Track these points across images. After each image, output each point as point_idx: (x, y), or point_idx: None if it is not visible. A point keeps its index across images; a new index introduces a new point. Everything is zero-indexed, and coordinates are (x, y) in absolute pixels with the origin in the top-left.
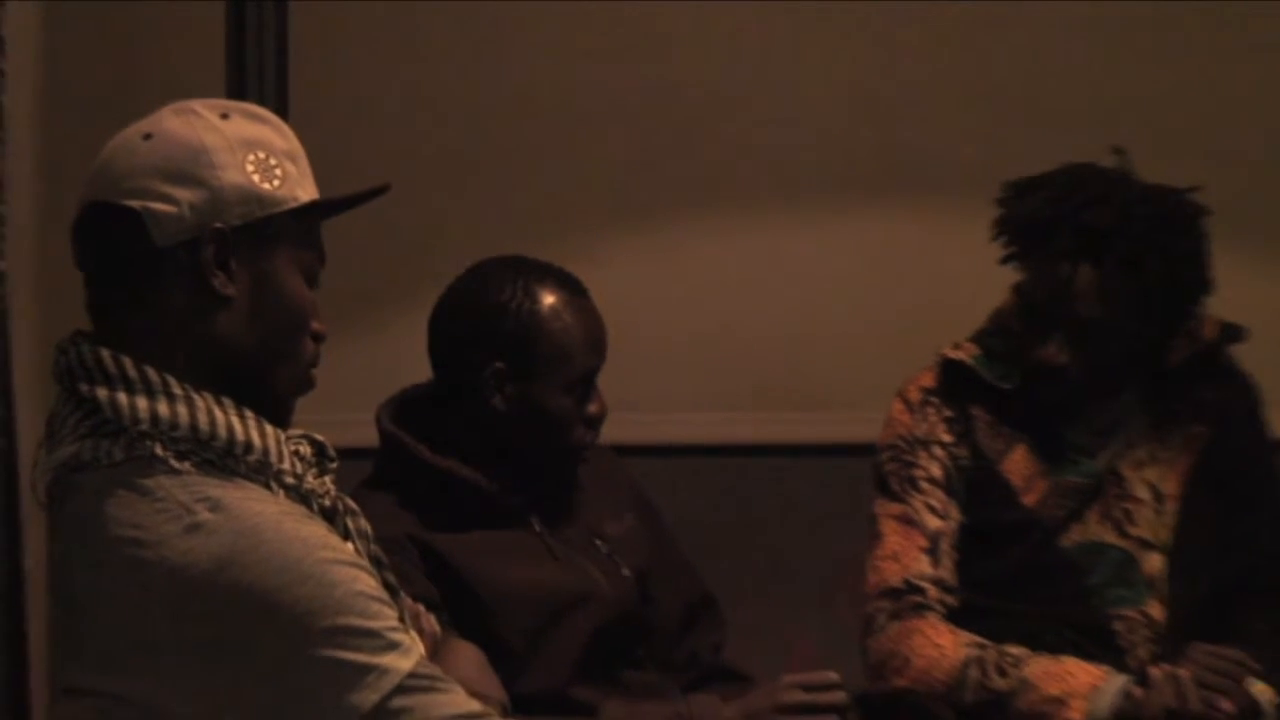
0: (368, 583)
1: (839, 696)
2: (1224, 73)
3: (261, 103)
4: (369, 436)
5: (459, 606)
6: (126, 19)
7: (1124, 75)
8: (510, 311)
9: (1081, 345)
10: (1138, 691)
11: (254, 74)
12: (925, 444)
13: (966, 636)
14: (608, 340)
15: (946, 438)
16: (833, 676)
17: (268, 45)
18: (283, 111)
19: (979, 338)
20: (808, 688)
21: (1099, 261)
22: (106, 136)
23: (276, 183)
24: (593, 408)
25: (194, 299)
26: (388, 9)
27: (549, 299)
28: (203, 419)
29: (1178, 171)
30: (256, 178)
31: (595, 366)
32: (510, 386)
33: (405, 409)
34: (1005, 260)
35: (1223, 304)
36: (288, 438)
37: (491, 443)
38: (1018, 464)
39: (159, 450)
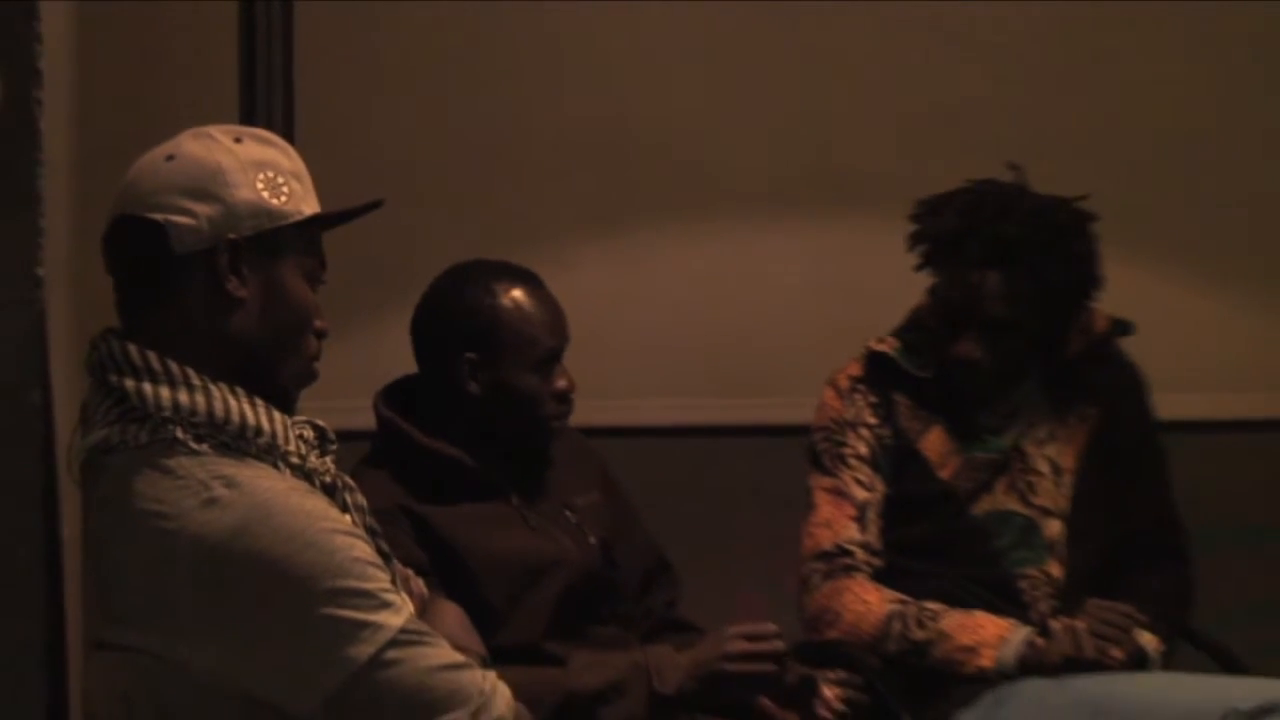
0: (364, 549)
1: (778, 645)
2: (1116, 88)
3: (270, 125)
4: (366, 421)
5: (445, 571)
6: (153, 43)
7: (1030, 97)
8: (474, 308)
9: (991, 341)
10: (1040, 641)
11: (263, 112)
12: (853, 425)
13: (890, 594)
14: (566, 323)
15: (872, 420)
16: (772, 627)
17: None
18: (289, 129)
19: (899, 332)
20: (750, 637)
21: (1006, 268)
22: (130, 157)
23: (284, 199)
24: (560, 383)
25: (210, 301)
26: (385, 41)
27: (506, 292)
28: (218, 406)
29: (1071, 179)
30: (266, 194)
31: (556, 346)
32: (482, 373)
33: (398, 395)
34: (919, 268)
35: (1112, 301)
36: (293, 423)
37: (473, 424)
38: (934, 443)
39: (180, 434)
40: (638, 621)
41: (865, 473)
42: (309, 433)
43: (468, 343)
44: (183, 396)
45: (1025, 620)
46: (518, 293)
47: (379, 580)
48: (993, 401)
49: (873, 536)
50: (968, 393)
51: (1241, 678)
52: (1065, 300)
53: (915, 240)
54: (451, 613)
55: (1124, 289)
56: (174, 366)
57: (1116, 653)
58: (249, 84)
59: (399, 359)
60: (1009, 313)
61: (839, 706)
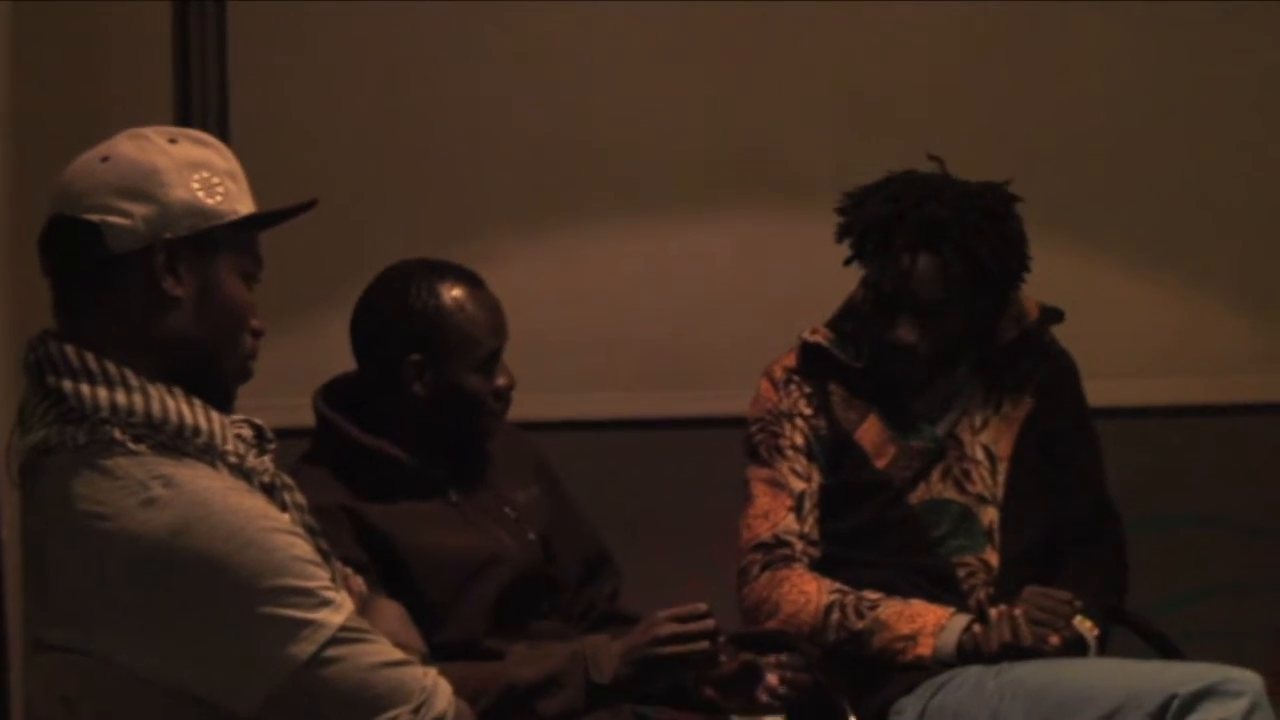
0: (303, 548)
1: (707, 624)
2: (1045, 77)
3: (205, 125)
4: (305, 418)
5: (385, 568)
6: (87, 46)
7: (958, 88)
8: (417, 310)
9: (927, 324)
10: (978, 628)
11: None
12: (789, 416)
13: (829, 584)
14: (506, 321)
15: (807, 410)
16: (701, 607)
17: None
18: (224, 130)
19: (833, 323)
20: (679, 618)
21: (937, 250)
22: (66, 159)
23: (219, 199)
24: (501, 381)
25: (147, 301)
26: (318, 42)
27: (449, 293)
28: (155, 406)
29: (1000, 167)
30: (201, 194)
31: (498, 345)
32: (428, 374)
33: (337, 393)
34: (849, 261)
35: (1044, 288)
36: (231, 422)
37: (415, 423)
38: (870, 432)
39: (117, 434)
40: (578, 614)
41: (801, 463)
42: (247, 432)
43: (411, 344)
44: (120, 397)
45: (963, 608)
46: (459, 293)
47: (319, 578)
48: (927, 389)
49: (810, 527)
50: (904, 379)
51: (1179, 662)
52: (996, 282)
53: (844, 231)
54: (391, 610)
55: (1055, 276)
56: (111, 367)
57: (1054, 639)
58: (184, 85)
59: (337, 356)
60: (942, 295)
61: (781, 689)
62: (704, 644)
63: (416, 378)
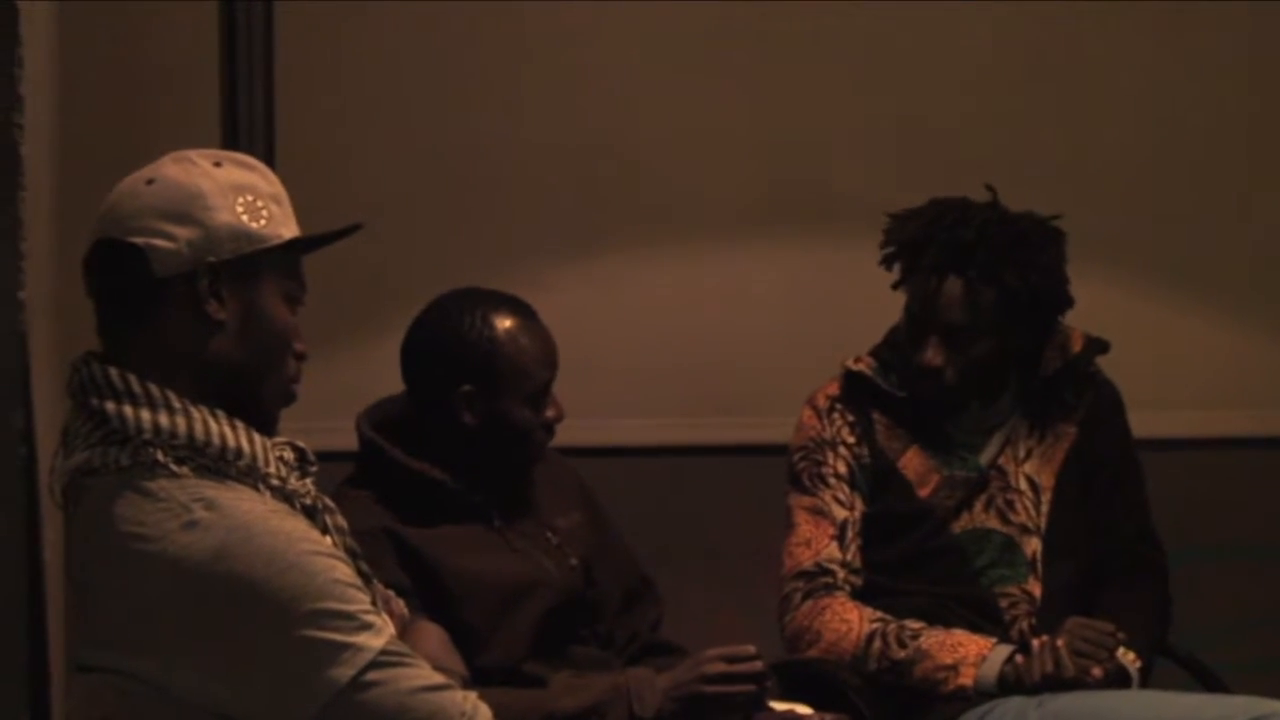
0: (344, 571)
1: (756, 666)
2: (1094, 108)
3: (251, 146)
4: (346, 442)
5: (427, 592)
6: (134, 71)
7: (1008, 116)
8: (472, 341)
9: (953, 348)
10: (1020, 659)
11: (245, 132)
12: (832, 445)
13: (870, 612)
14: (557, 353)
15: (850, 439)
16: (750, 649)
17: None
18: (269, 151)
19: (876, 351)
20: (728, 659)
21: (963, 273)
22: (112, 181)
23: (263, 222)
24: (550, 413)
25: (190, 323)
26: (365, 65)
27: (503, 325)
28: (199, 429)
29: (1050, 199)
30: (245, 218)
31: (550, 378)
32: (479, 405)
33: (381, 417)
34: (896, 285)
35: (1091, 319)
36: (273, 444)
37: (460, 450)
38: (913, 461)
39: (160, 456)
40: (620, 641)
41: (844, 492)
42: (289, 454)
43: (464, 375)
44: (163, 419)
45: (1005, 639)
46: (513, 325)
47: (359, 602)
48: (970, 420)
49: (852, 555)
50: (933, 403)
51: (1222, 695)
52: (1029, 311)
53: (882, 249)
54: (433, 633)
55: (1103, 308)
56: (154, 389)
57: (1097, 671)
58: (230, 107)
59: (380, 380)
60: (968, 319)
61: None
62: (750, 686)
63: (467, 408)
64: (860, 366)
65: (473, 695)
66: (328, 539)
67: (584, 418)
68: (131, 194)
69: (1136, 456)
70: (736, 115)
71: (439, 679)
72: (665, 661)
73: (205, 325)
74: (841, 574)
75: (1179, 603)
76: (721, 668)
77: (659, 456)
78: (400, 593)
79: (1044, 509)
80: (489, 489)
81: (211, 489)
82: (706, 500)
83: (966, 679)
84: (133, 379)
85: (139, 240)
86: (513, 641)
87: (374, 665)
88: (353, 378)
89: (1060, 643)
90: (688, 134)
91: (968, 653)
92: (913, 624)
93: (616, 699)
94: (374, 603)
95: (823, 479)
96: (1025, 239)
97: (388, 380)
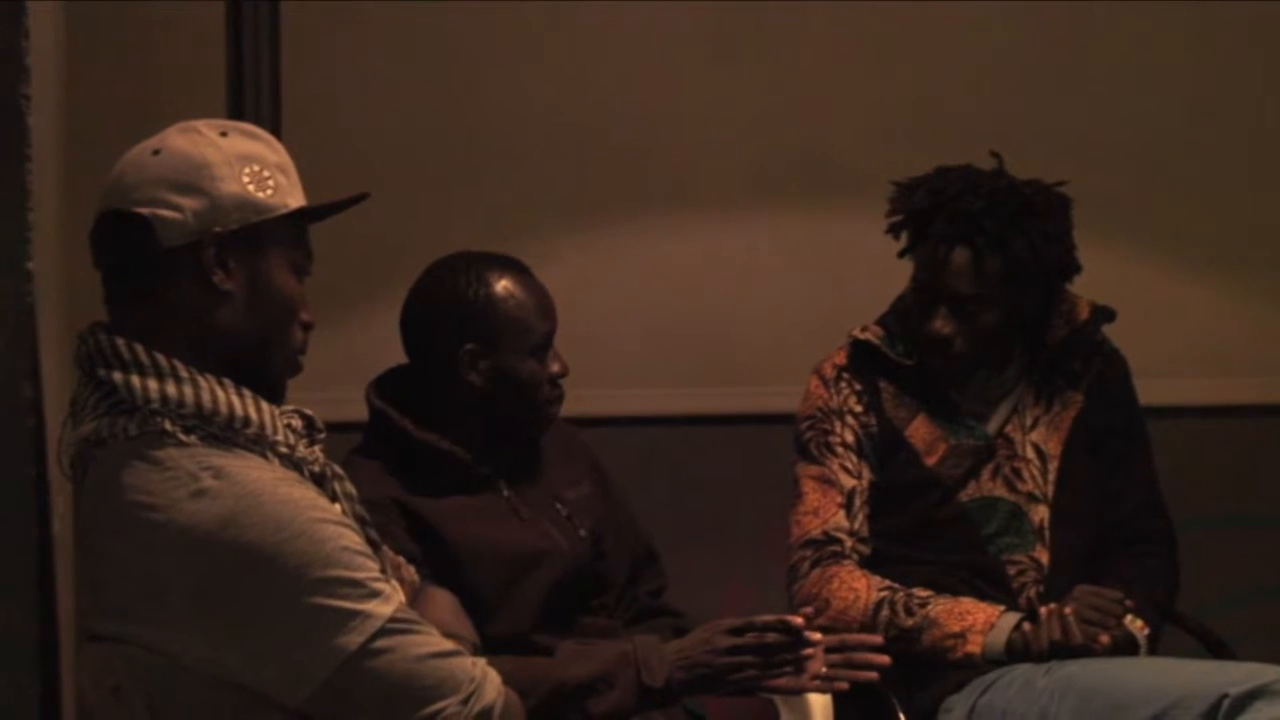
0: (352, 539)
1: (766, 638)
2: (1101, 78)
3: (257, 119)
4: (354, 412)
5: (436, 561)
6: (140, 41)
7: (1013, 86)
8: (469, 299)
9: (961, 317)
10: (1028, 627)
11: (251, 106)
12: (839, 414)
13: (878, 581)
14: (555, 306)
15: (857, 408)
16: (762, 619)
17: (263, 80)
18: (275, 123)
19: (883, 320)
20: (738, 630)
21: (971, 242)
22: (119, 152)
23: (269, 192)
24: (555, 366)
25: (197, 293)
26: (369, 38)
27: (498, 281)
28: (206, 398)
29: (1056, 168)
30: (252, 188)
31: (550, 330)
32: (483, 363)
33: (390, 387)
34: (902, 254)
35: (1098, 287)
36: (281, 413)
37: (472, 415)
38: (920, 430)
39: (168, 426)
40: (626, 611)
41: (852, 461)
42: (297, 422)
43: (466, 333)
44: (170, 388)
45: (1013, 606)
46: (509, 281)
47: (368, 569)
48: (977, 388)
49: (860, 524)
50: (941, 372)
51: (1230, 662)
52: (1036, 280)
53: (889, 218)
54: (443, 599)
55: (1109, 275)
56: (161, 359)
57: (1104, 638)
58: (236, 78)
59: (386, 350)
60: (975, 288)
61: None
62: (758, 658)
63: (473, 367)
64: (867, 336)
65: (482, 661)
66: (336, 506)
67: (590, 388)
68: (138, 164)
69: (1144, 424)
70: (741, 87)
71: (448, 645)
72: (668, 623)
73: (212, 295)
74: (849, 542)
75: (1186, 570)
76: (730, 640)
77: (666, 426)
78: (410, 560)
79: (1051, 477)
80: (498, 458)
81: (219, 457)
82: (713, 470)
83: (974, 647)
84: (140, 349)
85: (145, 210)
86: (521, 611)
87: (383, 632)
88: (358, 348)
89: (1068, 610)
90: (693, 106)
91: (975, 620)
92: (920, 592)
93: (625, 667)
94: (383, 570)
95: (830, 448)
96: (1032, 206)
97: (395, 350)
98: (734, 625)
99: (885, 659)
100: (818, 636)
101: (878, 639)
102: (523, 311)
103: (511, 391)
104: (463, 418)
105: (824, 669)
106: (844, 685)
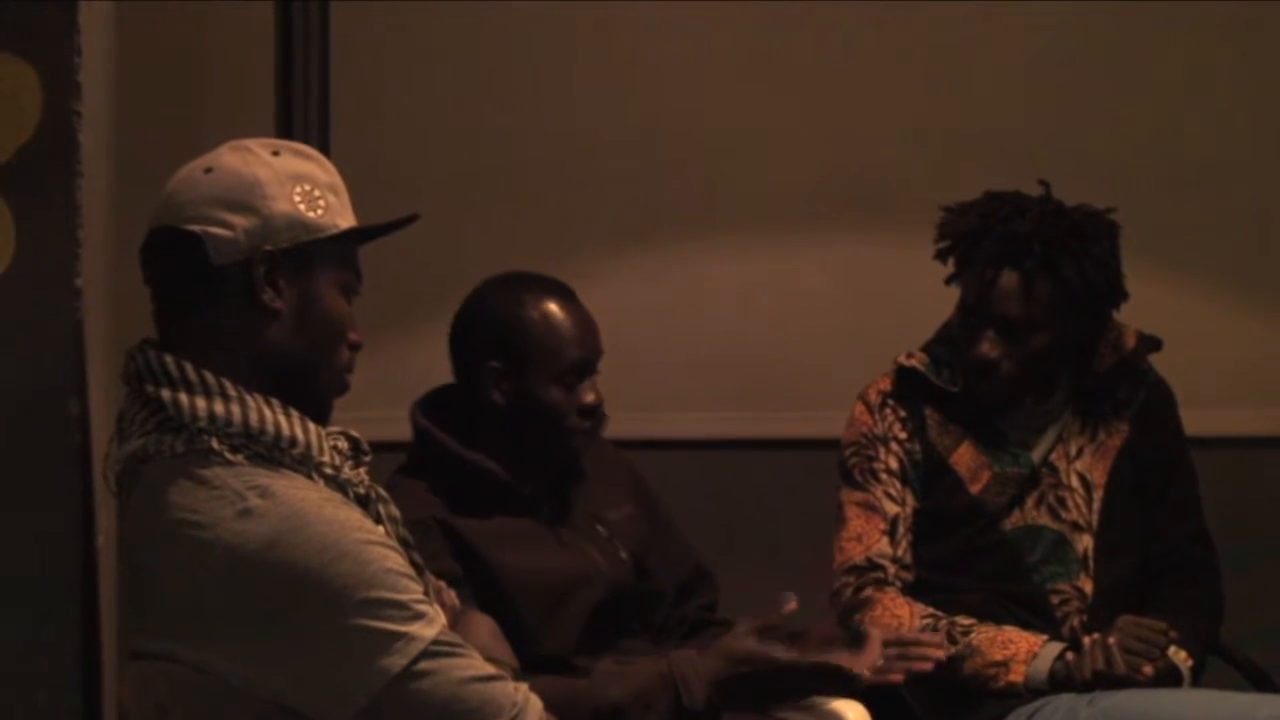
0: (397, 561)
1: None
2: (1143, 107)
3: (306, 138)
4: (399, 431)
5: (477, 584)
6: (190, 59)
7: (1062, 112)
8: (500, 317)
9: (1009, 341)
10: (1071, 656)
11: (300, 125)
12: (884, 440)
13: (921, 608)
14: (597, 338)
15: (902, 435)
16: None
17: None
18: (324, 142)
19: (928, 347)
20: (761, 631)
21: (1019, 265)
22: (168, 168)
23: (320, 212)
24: (586, 397)
25: (246, 312)
26: (420, 56)
27: (535, 302)
28: (253, 417)
29: (1103, 194)
30: (303, 207)
31: (582, 359)
32: (506, 383)
33: (435, 406)
34: (949, 280)
35: (1144, 317)
36: (327, 433)
37: (499, 435)
38: (965, 458)
39: (215, 444)
40: (673, 632)
41: (896, 487)
42: (343, 444)
43: (492, 351)
44: (218, 407)
45: (1056, 636)
46: (547, 304)
47: (412, 591)
48: (1022, 416)
49: (903, 550)
50: (987, 398)
51: (1273, 695)
52: (1085, 305)
53: (937, 243)
54: (484, 624)
55: (1156, 306)
56: (210, 377)
57: (1148, 669)
58: (286, 97)
59: (432, 370)
60: (1024, 311)
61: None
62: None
63: (496, 385)
64: (913, 362)
65: (524, 686)
66: (381, 528)
67: (634, 410)
68: (189, 182)
69: (1189, 454)
70: (789, 108)
71: (490, 669)
72: (714, 633)
73: (261, 314)
74: (892, 569)
75: (1231, 602)
76: (751, 646)
77: (710, 450)
78: (452, 583)
79: (1096, 506)
80: (540, 480)
81: (266, 477)
82: (758, 494)
83: (1017, 676)
84: (188, 366)
85: (196, 228)
86: (562, 636)
87: (426, 655)
88: (405, 367)
89: (1112, 640)
90: (740, 126)
91: (1019, 649)
92: (963, 620)
93: (663, 689)
94: (426, 593)
95: (874, 474)
96: (1081, 231)
97: (440, 370)
98: (758, 626)
99: (942, 654)
100: (876, 632)
101: (937, 637)
102: (553, 336)
103: (533, 415)
104: (499, 438)
105: (880, 661)
106: (899, 678)
